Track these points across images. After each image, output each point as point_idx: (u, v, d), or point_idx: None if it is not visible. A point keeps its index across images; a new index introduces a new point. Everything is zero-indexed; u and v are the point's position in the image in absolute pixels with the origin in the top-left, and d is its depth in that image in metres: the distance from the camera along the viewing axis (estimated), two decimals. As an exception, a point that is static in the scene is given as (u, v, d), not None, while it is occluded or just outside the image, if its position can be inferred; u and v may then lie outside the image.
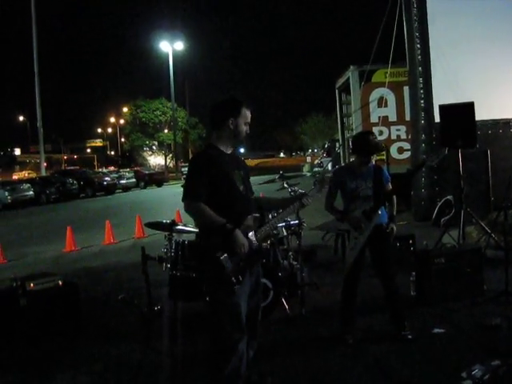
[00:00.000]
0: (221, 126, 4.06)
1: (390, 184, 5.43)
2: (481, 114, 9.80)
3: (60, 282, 6.14)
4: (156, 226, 6.29)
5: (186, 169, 4.29)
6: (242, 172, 4.14)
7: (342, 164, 22.82)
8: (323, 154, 38.11)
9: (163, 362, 5.17)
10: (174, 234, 6.01)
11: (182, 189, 3.99)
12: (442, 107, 9.57)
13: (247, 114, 4.09)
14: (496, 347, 4.92)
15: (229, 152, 4.11)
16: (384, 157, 17.37)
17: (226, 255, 3.84)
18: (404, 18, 12.66)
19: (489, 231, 8.40)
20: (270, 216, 5.02)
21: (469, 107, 9.12)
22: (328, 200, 5.49)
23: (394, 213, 5.52)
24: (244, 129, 4.09)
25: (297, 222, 6.61)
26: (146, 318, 6.35)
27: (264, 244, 5.77)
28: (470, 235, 9.09)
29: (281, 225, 6.74)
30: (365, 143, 5.34)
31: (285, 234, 6.97)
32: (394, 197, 5.46)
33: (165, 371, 4.98)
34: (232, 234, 3.83)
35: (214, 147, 4.06)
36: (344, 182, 5.40)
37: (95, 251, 12.51)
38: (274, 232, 6.65)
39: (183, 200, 3.92)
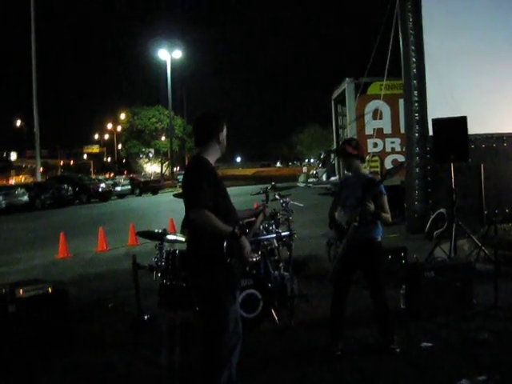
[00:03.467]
0: (209, 141, 4.18)
1: (384, 197, 5.33)
2: (474, 128, 9.84)
3: (50, 289, 6.11)
4: (147, 235, 6.30)
5: (183, 176, 4.29)
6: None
7: (337, 175, 22.86)
8: (319, 164, 38.12)
9: (151, 371, 5.16)
10: (164, 243, 6.02)
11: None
12: (434, 121, 9.59)
13: (225, 127, 4.31)
14: (483, 362, 4.94)
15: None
16: (378, 169, 17.44)
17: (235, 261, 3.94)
18: (400, 31, 12.73)
19: (480, 245, 8.43)
20: None
21: (461, 121, 9.16)
22: (331, 208, 5.64)
23: (383, 216, 5.30)
24: (225, 142, 4.30)
25: (288, 233, 6.63)
26: (135, 326, 6.34)
27: (255, 255, 5.82)
28: (461, 248, 9.12)
29: (272, 236, 6.78)
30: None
31: (276, 244, 6.98)
32: (383, 214, 5.30)
33: (153, 381, 4.97)
34: (240, 239, 3.91)
35: (205, 159, 4.13)
36: (340, 191, 5.61)
37: (88, 258, 12.50)
38: (264, 243, 6.70)
39: (190, 208, 3.88)
